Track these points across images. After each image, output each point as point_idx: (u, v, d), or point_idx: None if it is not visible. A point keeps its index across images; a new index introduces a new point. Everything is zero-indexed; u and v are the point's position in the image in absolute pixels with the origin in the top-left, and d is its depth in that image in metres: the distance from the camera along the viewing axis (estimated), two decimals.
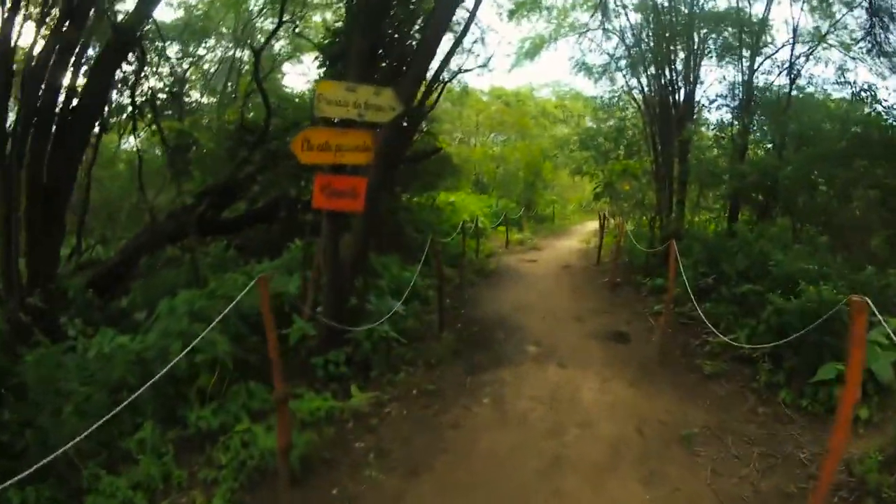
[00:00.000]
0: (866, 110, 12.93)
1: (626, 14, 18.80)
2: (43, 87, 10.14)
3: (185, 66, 25.35)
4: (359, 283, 9.74)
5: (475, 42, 21.50)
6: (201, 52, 26.83)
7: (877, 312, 4.51)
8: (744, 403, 7.85)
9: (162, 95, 19.47)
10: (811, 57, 15.39)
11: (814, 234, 12.28)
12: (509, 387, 8.29)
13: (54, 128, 10.49)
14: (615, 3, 18.80)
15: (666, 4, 17.11)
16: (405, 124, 15.88)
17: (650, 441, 6.82)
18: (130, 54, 12.84)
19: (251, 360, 7.76)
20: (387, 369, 8.67)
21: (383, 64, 13.51)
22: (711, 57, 16.95)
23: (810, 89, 15.52)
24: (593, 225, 30.24)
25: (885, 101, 12.95)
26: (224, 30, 26.77)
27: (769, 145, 15.64)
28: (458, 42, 14.71)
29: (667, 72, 17.17)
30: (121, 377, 6.82)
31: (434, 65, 12.48)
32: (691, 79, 16.93)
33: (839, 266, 9.69)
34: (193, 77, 26.48)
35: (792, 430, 7.05)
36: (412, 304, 11.33)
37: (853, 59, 15.20)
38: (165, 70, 23.19)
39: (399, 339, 9.18)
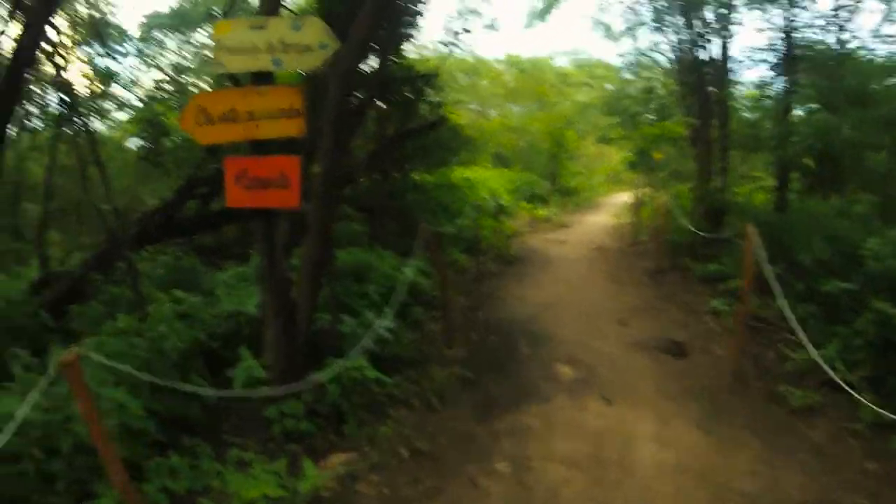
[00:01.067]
0: None
1: None
2: None
3: (186, 54, 23.81)
4: (325, 297, 7.16)
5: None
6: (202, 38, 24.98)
7: None
8: (849, 456, 5.76)
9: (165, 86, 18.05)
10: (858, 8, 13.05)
11: None
12: (535, 439, 6.09)
13: None
14: None
15: None
16: (411, 96, 14.10)
17: None
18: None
19: (190, 413, 5.86)
20: (367, 417, 6.35)
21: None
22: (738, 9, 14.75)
23: (854, 44, 13.20)
24: (623, 197, 28.40)
25: None
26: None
27: (813, 105, 13.44)
28: None
29: (697, 23, 14.97)
30: (19, 448, 4.75)
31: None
32: (725, 31, 14.69)
33: None
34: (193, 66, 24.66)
35: None
36: (413, 309, 9.31)
37: None
38: (166, 60, 22.00)
39: (381, 379, 6.69)
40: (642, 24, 17.69)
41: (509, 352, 8.50)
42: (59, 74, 11.21)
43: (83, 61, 18.38)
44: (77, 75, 17.38)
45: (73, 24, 18.16)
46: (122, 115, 19.99)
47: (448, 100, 19.45)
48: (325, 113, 6.47)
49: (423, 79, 14.29)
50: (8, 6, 9.59)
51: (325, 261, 6.86)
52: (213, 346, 6.87)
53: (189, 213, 12.66)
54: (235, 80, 7.08)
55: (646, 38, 21.16)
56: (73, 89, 11.49)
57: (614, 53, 77.27)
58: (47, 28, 8.97)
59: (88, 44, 18.24)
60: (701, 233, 12.41)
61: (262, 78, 5.63)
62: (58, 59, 10.54)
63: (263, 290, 6.47)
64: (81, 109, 11.72)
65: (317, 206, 6.48)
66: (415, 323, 9.10)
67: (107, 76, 18.27)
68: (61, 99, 12.09)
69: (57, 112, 12.37)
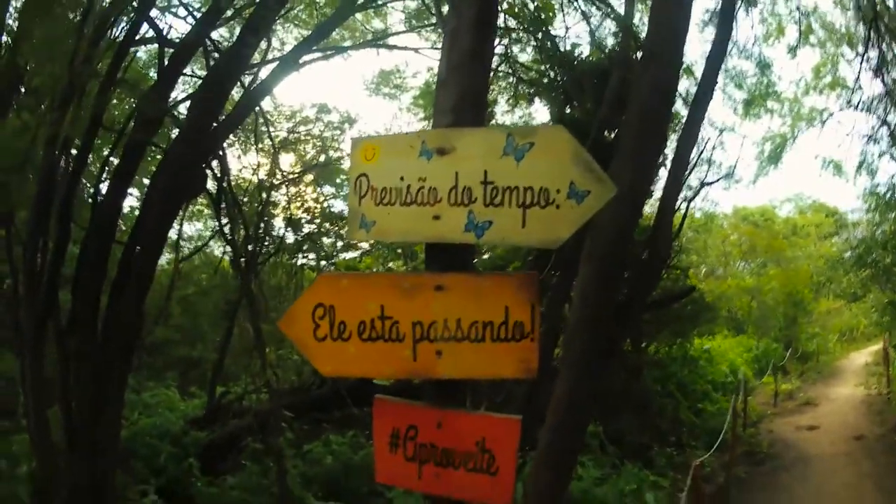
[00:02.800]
0: None
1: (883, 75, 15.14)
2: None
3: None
4: None
5: (714, 148, 18.45)
6: None
7: None
8: None
9: None
10: None
11: None
12: None
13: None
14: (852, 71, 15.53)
15: None
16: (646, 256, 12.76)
17: None
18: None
19: None
20: None
21: None
22: None
23: None
24: (861, 358, 26.81)
25: None
26: None
27: None
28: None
29: None
30: None
31: None
32: None
33: None
34: None
35: None
36: None
37: None
38: None
39: None
40: (887, 153, 16.25)
41: None
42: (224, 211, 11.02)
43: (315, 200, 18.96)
44: (302, 211, 17.86)
45: (302, 163, 18.92)
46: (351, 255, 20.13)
47: (682, 262, 18.34)
48: (570, 322, 4.02)
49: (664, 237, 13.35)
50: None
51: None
52: None
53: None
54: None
55: (886, 170, 19.91)
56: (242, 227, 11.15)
57: (843, 194, 73.61)
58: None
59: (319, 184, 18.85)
60: None
61: (445, 256, 2.99)
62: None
63: None
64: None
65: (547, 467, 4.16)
66: None
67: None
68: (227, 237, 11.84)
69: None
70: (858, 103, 16.25)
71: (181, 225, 23.66)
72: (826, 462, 12.59)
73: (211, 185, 10.47)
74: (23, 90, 8.35)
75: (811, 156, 54.47)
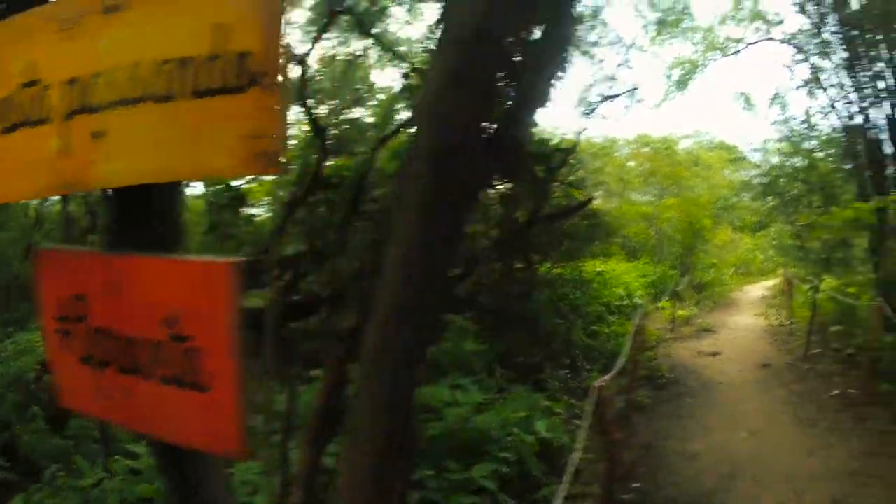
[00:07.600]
0: None
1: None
2: None
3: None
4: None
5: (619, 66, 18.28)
6: None
7: None
8: None
9: None
10: None
11: None
12: None
13: None
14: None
15: None
16: (542, 174, 11.50)
17: None
18: None
19: None
20: None
21: None
22: None
23: None
24: (756, 291, 27.08)
25: None
26: None
27: None
28: None
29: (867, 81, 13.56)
30: None
31: None
32: None
33: None
34: None
35: None
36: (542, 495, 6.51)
37: None
38: None
39: None
40: (806, 86, 15.69)
41: None
42: None
43: None
44: None
45: None
46: None
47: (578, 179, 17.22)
48: (405, 179, 2.94)
49: (559, 154, 11.90)
50: None
51: (400, 456, 3.55)
52: None
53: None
54: None
55: (799, 104, 20.19)
56: None
57: (739, 134, 75.57)
58: None
59: None
60: None
61: None
62: None
63: None
64: None
65: (382, 364, 3.01)
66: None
67: None
68: None
69: None
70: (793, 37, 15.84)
71: None
72: (735, 390, 11.64)
73: None
74: None
75: (715, 93, 55.15)
